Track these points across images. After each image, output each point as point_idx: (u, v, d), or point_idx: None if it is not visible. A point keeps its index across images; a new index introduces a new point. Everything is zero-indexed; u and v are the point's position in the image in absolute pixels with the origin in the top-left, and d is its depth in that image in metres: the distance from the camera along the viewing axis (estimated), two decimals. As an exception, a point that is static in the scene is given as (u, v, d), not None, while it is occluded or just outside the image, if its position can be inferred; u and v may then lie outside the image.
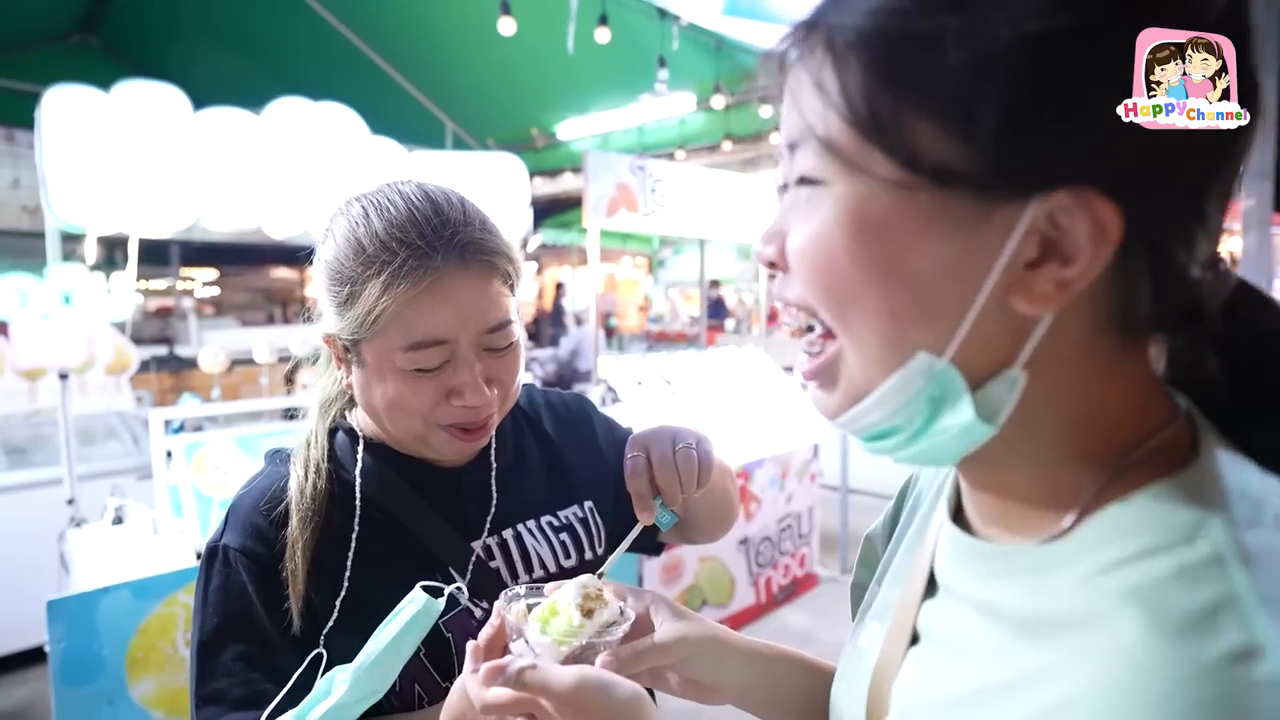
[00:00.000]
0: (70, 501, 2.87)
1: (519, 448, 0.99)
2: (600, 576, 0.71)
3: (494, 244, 0.81)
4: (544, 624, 0.65)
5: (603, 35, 4.81)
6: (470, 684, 0.61)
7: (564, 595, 0.66)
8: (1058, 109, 0.36)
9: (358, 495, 0.86)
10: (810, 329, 0.46)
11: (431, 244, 0.77)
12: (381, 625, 0.72)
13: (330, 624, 0.80)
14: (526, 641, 0.65)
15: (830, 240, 0.41)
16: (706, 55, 5.50)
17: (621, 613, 0.67)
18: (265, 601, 0.80)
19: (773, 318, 6.50)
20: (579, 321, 7.63)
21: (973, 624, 0.46)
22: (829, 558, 4.53)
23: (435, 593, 0.74)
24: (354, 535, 0.84)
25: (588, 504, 1.00)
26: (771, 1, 4.38)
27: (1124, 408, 0.43)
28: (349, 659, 0.75)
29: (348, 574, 0.82)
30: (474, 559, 0.88)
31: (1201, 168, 0.39)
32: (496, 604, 0.68)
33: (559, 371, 7.25)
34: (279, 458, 0.90)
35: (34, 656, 3.13)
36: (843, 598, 0.66)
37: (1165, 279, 0.39)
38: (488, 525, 0.91)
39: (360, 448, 0.89)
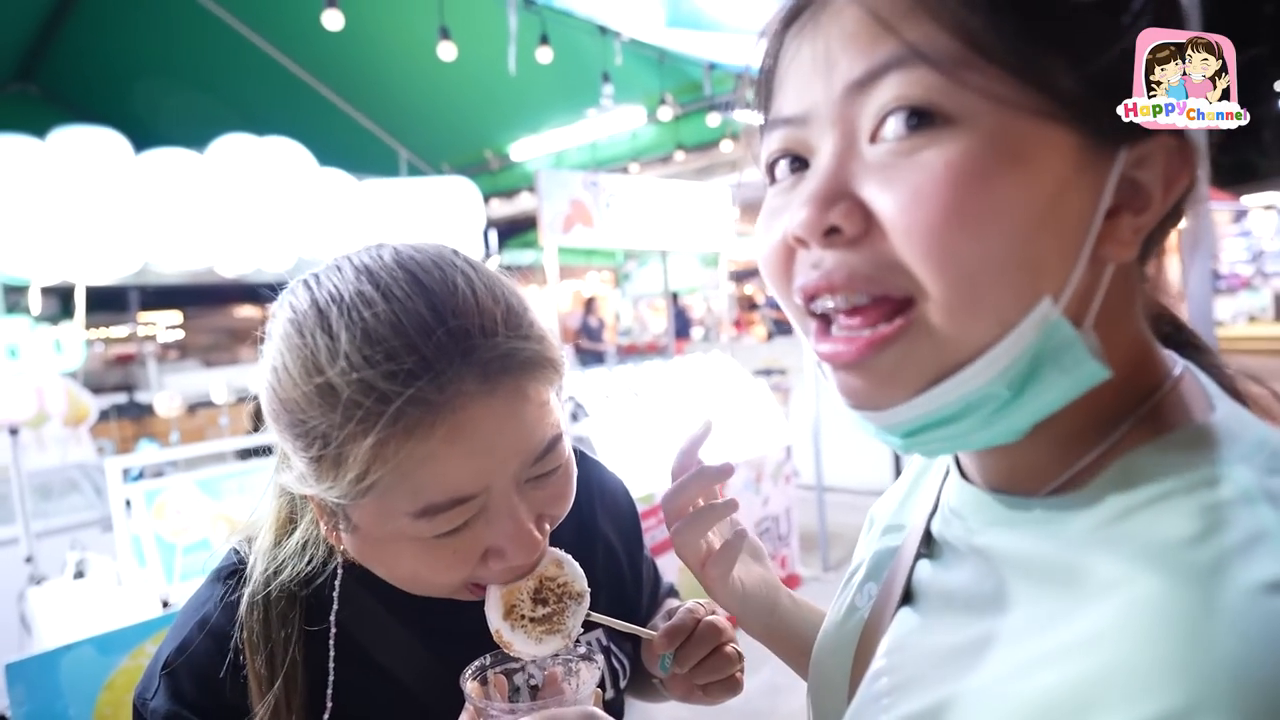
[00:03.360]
0: (28, 559, 2.79)
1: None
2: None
3: (528, 351, 0.57)
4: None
5: (545, 55, 4.86)
6: None
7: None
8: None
9: (332, 639, 0.67)
10: (853, 310, 0.41)
11: (439, 371, 0.53)
12: None
13: None
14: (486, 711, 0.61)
15: (971, 179, 0.36)
16: (651, 69, 5.56)
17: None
18: None
19: (739, 324, 6.55)
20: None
21: (972, 575, 0.45)
22: (810, 557, 4.54)
23: None
24: (328, 694, 0.66)
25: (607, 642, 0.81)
26: (712, 12, 4.44)
27: (1124, 358, 0.42)
28: None
29: None
30: None
31: None
32: (465, 687, 0.60)
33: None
34: (229, 584, 0.67)
35: (1, 724, 3.04)
36: (826, 597, 0.65)
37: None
38: None
39: (339, 569, 0.69)
